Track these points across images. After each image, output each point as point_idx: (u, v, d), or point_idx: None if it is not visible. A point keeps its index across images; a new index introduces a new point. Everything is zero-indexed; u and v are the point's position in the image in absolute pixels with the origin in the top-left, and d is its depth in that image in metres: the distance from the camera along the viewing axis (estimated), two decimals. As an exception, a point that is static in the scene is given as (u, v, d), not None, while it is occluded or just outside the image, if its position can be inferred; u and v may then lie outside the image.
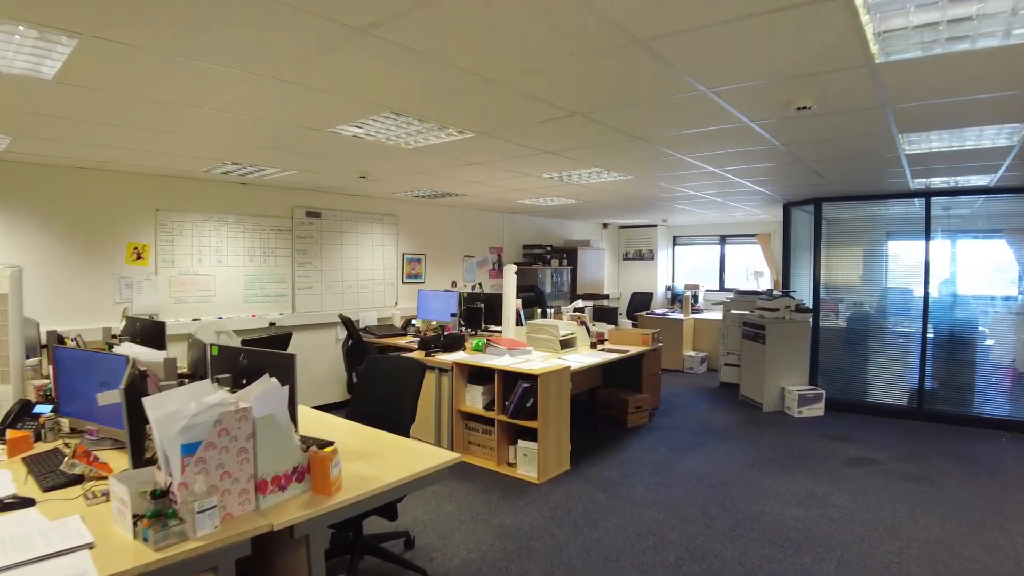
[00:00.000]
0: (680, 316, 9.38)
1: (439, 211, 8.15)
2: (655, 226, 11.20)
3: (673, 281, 11.60)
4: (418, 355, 5.60)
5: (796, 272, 7.39)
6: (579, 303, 7.01)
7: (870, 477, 4.75)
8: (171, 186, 5.75)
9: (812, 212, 6.88)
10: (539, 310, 7.72)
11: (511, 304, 6.26)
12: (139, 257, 5.71)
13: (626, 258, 11.68)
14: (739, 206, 7.90)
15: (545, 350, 5.83)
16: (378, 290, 7.54)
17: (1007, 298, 6.27)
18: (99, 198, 5.30)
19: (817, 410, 6.58)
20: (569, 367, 5.02)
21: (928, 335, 6.29)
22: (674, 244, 11.63)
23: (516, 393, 4.81)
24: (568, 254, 9.60)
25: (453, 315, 6.63)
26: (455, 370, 5.25)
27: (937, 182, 5.60)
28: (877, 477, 4.75)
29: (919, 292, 6.39)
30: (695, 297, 10.33)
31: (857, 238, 6.79)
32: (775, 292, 7.43)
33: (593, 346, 6.13)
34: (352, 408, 3.53)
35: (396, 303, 7.67)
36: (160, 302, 5.80)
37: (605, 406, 6.48)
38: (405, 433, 3.04)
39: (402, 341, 6.56)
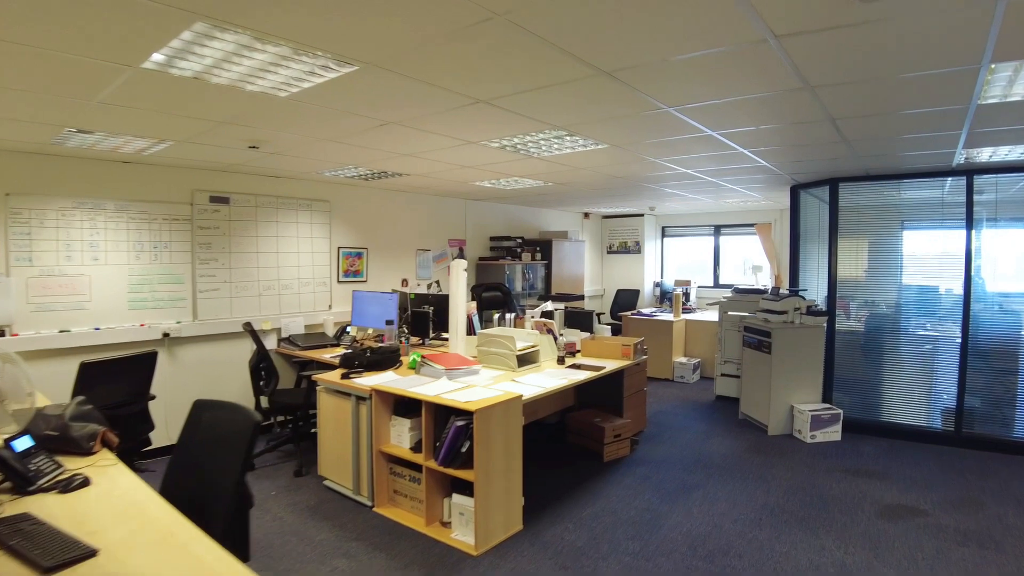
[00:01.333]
0: (669, 317, 8.19)
1: (384, 196, 6.90)
2: (642, 215, 10.00)
3: (662, 277, 10.42)
4: (334, 376, 4.39)
5: (805, 267, 6.22)
6: (548, 305, 5.82)
7: (916, 537, 3.59)
8: (25, 165, 4.50)
9: (825, 196, 5.69)
10: (506, 314, 6.53)
11: (459, 308, 5.06)
12: (-18, 254, 4.48)
13: (610, 251, 10.49)
14: (737, 189, 6.71)
15: (498, 368, 4.63)
16: (306, 291, 6.30)
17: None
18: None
19: (833, 434, 5.42)
20: (520, 397, 3.81)
21: (969, 342, 5.12)
22: (663, 235, 10.45)
23: (447, 433, 3.61)
24: (543, 247, 8.38)
25: (390, 323, 5.40)
26: (374, 399, 4.04)
27: (986, 154, 4.43)
28: (925, 537, 3.59)
29: (957, 290, 5.23)
30: (686, 295, 9.16)
31: (879, 227, 5.62)
32: (782, 291, 6.24)
33: (561, 361, 4.93)
34: (166, 479, 2.31)
35: (330, 306, 6.44)
36: (12, 310, 4.55)
37: (578, 434, 5.29)
38: (219, 532, 1.80)
39: (327, 355, 5.34)
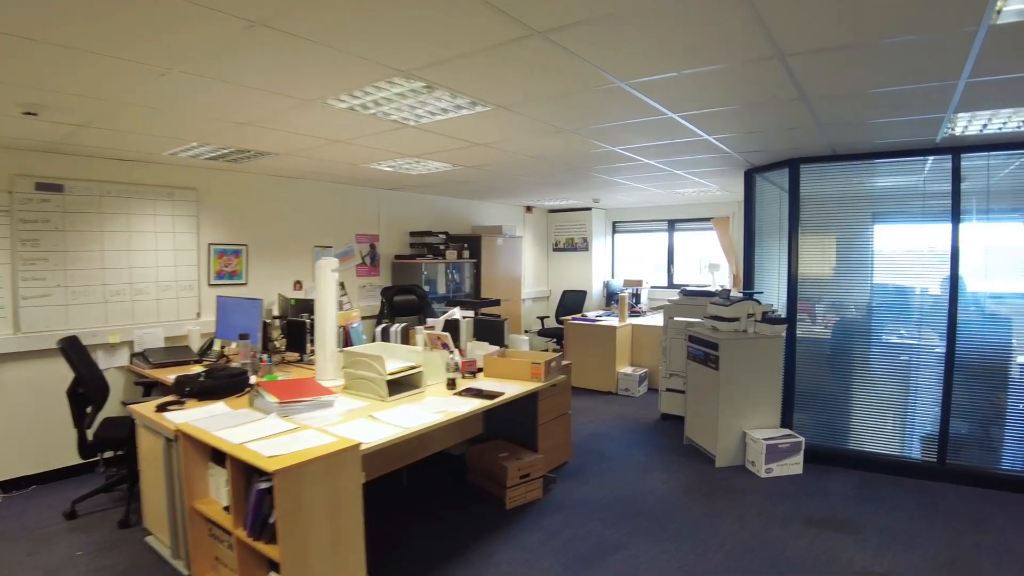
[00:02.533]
0: (614, 322, 7.21)
1: (270, 184, 5.79)
2: (589, 209, 9.02)
3: (613, 276, 9.46)
4: (147, 408, 3.34)
5: (763, 266, 5.27)
6: (456, 312, 4.79)
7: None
8: None
9: (784, 181, 4.74)
10: (425, 320, 5.48)
11: (327, 319, 4.02)
12: None
13: (556, 249, 9.49)
14: (688, 176, 5.77)
15: (367, 396, 3.59)
16: (167, 297, 5.16)
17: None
18: None
19: (793, 466, 4.48)
20: (358, 446, 2.75)
21: (956, 354, 4.21)
22: (614, 232, 9.48)
23: (251, 498, 2.54)
24: (471, 244, 7.32)
25: (243, 336, 4.31)
26: (181, 441, 2.98)
27: (980, 122, 3.51)
28: (910, 630, 2.63)
29: (939, 292, 4.33)
30: (636, 296, 8.20)
31: (849, 217, 4.67)
32: (733, 293, 5.30)
33: (452, 385, 3.89)
34: None
35: (198, 315, 5.30)
36: None
37: (478, 473, 4.27)
38: None
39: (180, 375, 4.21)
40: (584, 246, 9.10)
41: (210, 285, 5.42)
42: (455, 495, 4.18)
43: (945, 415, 4.26)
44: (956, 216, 4.16)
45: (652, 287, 8.79)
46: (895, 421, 4.50)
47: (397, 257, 6.85)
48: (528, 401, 4.30)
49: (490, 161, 4.92)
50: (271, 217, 5.81)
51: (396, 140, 4.09)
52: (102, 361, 4.73)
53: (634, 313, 7.79)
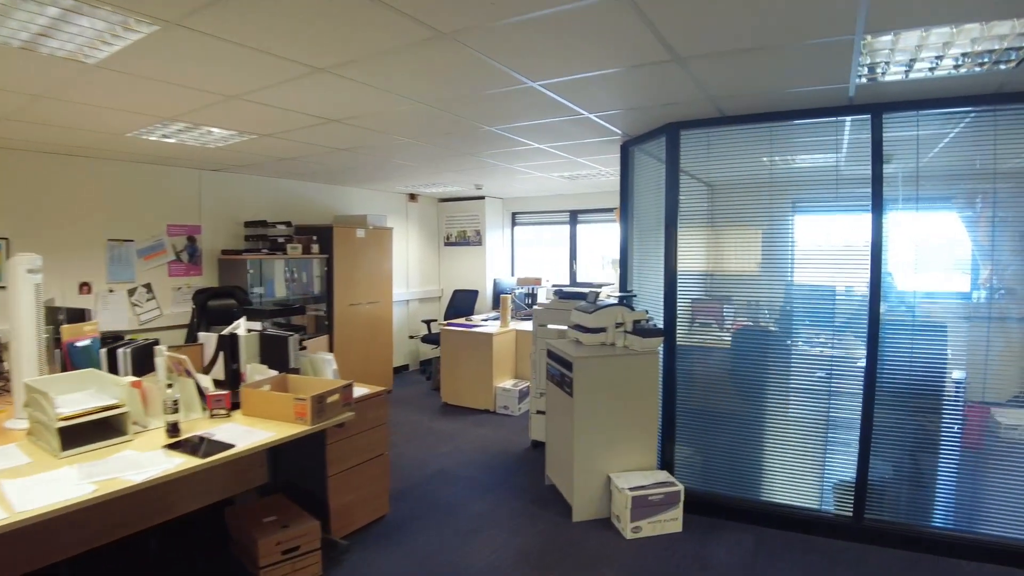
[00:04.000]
0: (491, 328, 6.10)
1: (38, 163, 4.44)
2: (482, 198, 7.89)
3: (513, 273, 8.37)
4: None
5: (644, 262, 4.22)
6: (240, 325, 3.60)
7: None
8: None
9: (663, 152, 3.67)
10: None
11: (22, 336, 2.78)
12: None
13: (448, 243, 8.33)
14: (574, 158, 4.71)
15: (44, 447, 2.38)
16: None
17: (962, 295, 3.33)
18: None
19: (670, 523, 3.46)
20: None
21: (877, 371, 3.24)
22: (513, 224, 8.38)
23: None
24: (322, 236, 6.08)
25: None
26: None
27: (899, 69, 2.53)
28: None
29: (859, 293, 3.36)
30: (532, 297, 7.13)
31: (746, 199, 3.63)
32: (604, 296, 4.26)
33: (174, 430, 2.70)
34: None
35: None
36: None
37: (237, 542, 3.10)
38: None
39: None
40: (477, 240, 7.98)
41: None
42: (213, 569, 2.99)
43: (864, 452, 3.29)
44: (878, 198, 3.18)
45: (553, 286, 7.72)
46: (803, 462, 3.51)
47: (225, 252, 5.57)
48: (312, 447, 3.18)
49: (289, 127, 3.72)
50: (45, 204, 4.49)
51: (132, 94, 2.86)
52: None
53: (528, 317, 6.70)
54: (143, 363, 3.27)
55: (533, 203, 8.04)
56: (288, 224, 5.94)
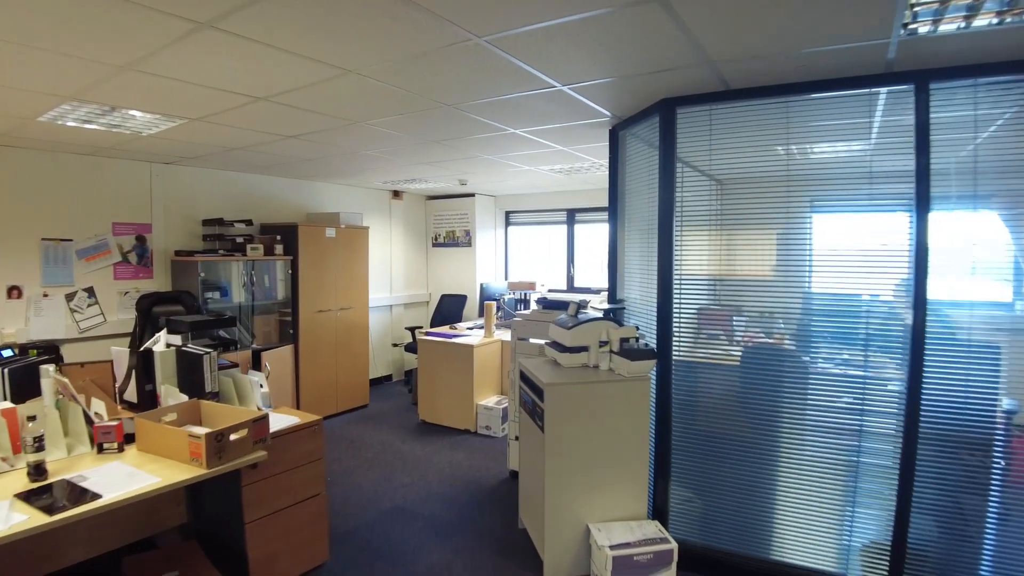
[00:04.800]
0: (474, 338, 5.51)
1: None
2: (471, 196, 7.30)
3: (507, 277, 7.76)
4: None
5: (636, 266, 3.58)
6: (159, 340, 3.05)
7: None
8: None
9: (656, 136, 3.04)
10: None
11: None
12: None
13: (437, 243, 7.74)
14: (555, 145, 4.11)
15: None
16: None
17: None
18: None
19: (660, 585, 2.83)
20: None
21: (921, 404, 2.60)
22: (507, 224, 7.77)
23: None
24: (287, 236, 5.52)
25: None
26: None
27: (954, 20, 1.90)
28: None
29: (896, 304, 2.72)
30: (525, 303, 6.52)
31: (755, 190, 2.98)
32: (586, 309, 3.64)
33: (38, 472, 2.16)
34: None
35: None
36: None
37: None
38: None
39: None
40: (467, 240, 7.38)
41: None
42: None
43: (903, 507, 2.65)
44: (923, 192, 2.53)
45: (549, 291, 7.13)
46: (826, 515, 2.87)
47: (178, 253, 5.02)
48: (227, 487, 2.63)
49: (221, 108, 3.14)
50: None
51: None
52: None
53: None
54: (29, 385, 2.71)
55: (527, 201, 7.42)
56: (248, 223, 5.40)
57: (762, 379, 2.96)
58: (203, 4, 1.89)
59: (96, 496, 2.07)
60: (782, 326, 3.02)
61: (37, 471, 2.19)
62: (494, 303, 5.81)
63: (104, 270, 4.66)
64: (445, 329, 6.17)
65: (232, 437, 2.44)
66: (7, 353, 3.66)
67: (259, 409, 3.15)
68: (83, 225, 4.52)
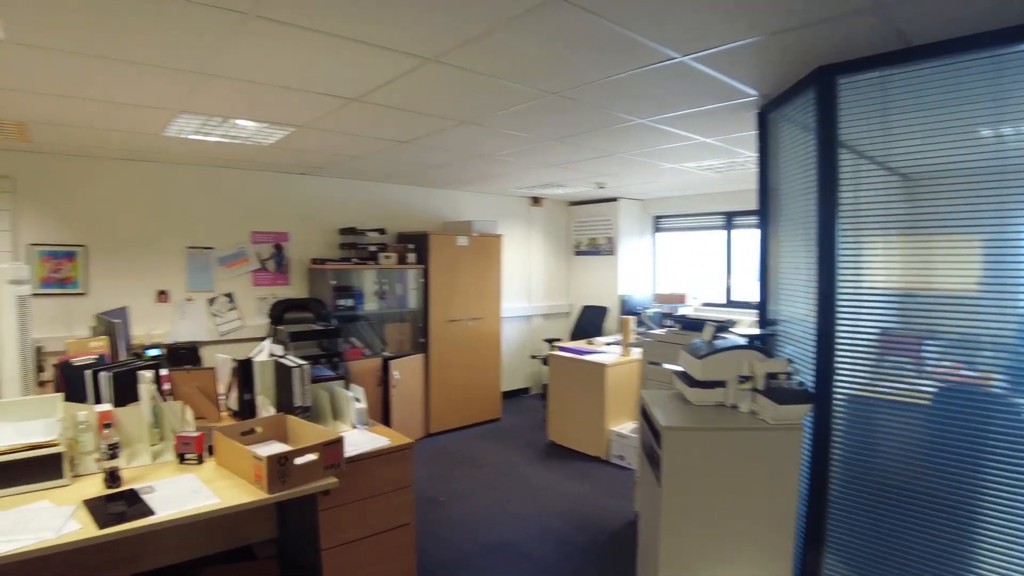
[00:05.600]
0: (606, 356, 4.99)
1: (115, 171, 4.41)
2: (614, 200, 6.78)
3: (655, 288, 7.10)
4: None
5: (792, 280, 2.84)
6: (262, 350, 3.01)
7: None
8: None
9: (811, 115, 2.34)
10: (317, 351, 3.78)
11: (7, 346, 2.49)
12: None
13: (579, 251, 7.32)
14: (695, 136, 3.52)
15: None
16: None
17: None
18: None
19: None
20: None
21: None
22: (655, 230, 7.10)
23: None
24: (419, 244, 5.45)
25: None
26: None
27: None
28: None
29: None
30: (669, 319, 5.85)
31: (953, 194, 2.15)
32: (735, 329, 2.99)
33: (113, 479, 2.15)
34: None
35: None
36: None
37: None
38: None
39: None
40: (609, 248, 6.86)
41: (34, 295, 4.10)
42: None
43: None
44: None
45: (704, 304, 6.37)
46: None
47: (314, 261, 5.17)
48: (307, 508, 2.48)
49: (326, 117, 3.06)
50: (122, 212, 4.44)
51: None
52: None
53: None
54: (132, 389, 2.76)
55: (678, 204, 6.72)
56: (381, 231, 5.42)
57: (961, 425, 2.13)
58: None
59: (149, 513, 1.97)
60: (989, 357, 2.16)
61: (112, 478, 2.15)
62: (632, 318, 5.25)
63: (243, 277, 4.92)
64: (581, 344, 5.73)
65: (298, 461, 2.23)
66: (154, 352, 3.90)
67: (353, 427, 2.99)
68: (224, 234, 4.81)
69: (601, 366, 4.81)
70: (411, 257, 5.39)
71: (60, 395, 2.35)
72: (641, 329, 5.60)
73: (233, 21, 1.90)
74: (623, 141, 3.75)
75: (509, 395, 6.73)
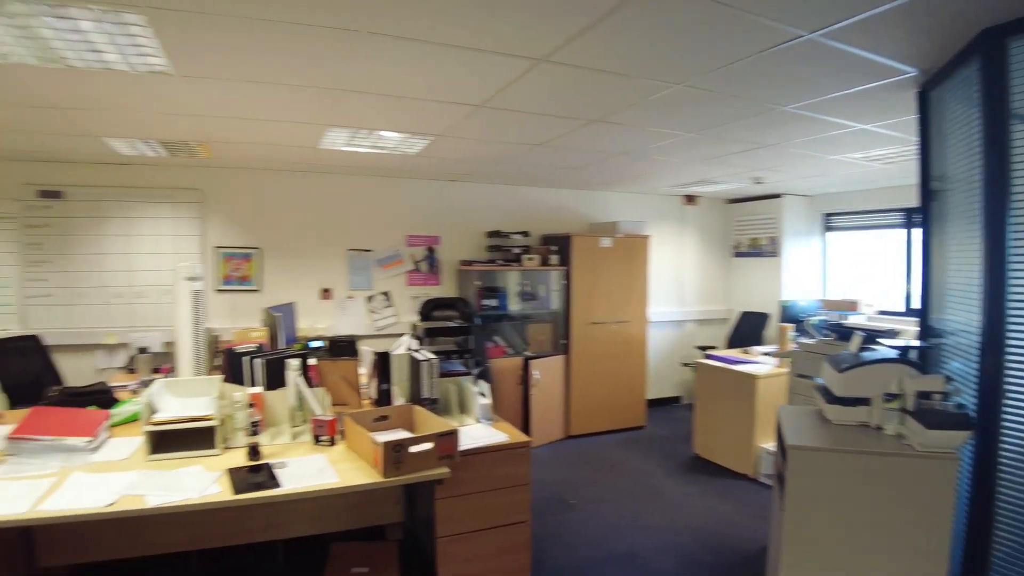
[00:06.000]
0: (759, 366, 4.62)
1: (285, 181, 5.05)
2: (778, 197, 6.24)
3: (825, 293, 6.42)
4: None
5: (957, 282, 2.41)
6: (400, 345, 3.24)
7: None
8: None
9: (977, 89, 1.96)
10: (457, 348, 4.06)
11: (181, 340, 3.12)
12: None
13: (739, 252, 6.85)
14: (849, 122, 3.15)
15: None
16: (168, 301, 4.79)
17: None
18: None
19: None
20: None
21: None
22: (825, 229, 6.41)
23: None
24: (562, 246, 5.48)
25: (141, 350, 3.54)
26: None
27: None
28: None
29: None
30: (837, 329, 5.27)
31: None
32: (888, 343, 2.63)
33: (254, 453, 2.49)
34: None
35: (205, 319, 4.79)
36: None
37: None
38: None
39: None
40: (772, 249, 6.33)
41: (217, 291, 4.88)
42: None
43: None
44: None
45: (879, 313, 5.65)
46: None
47: (463, 263, 5.45)
48: (426, 497, 2.67)
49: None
50: (291, 217, 5.08)
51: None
52: (102, 362, 4.59)
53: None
54: (280, 375, 3.11)
55: (851, 200, 5.99)
56: (525, 234, 5.56)
57: None
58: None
59: (276, 485, 2.22)
60: None
61: (253, 452, 2.47)
62: (789, 326, 4.81)
63: (398, 277, 5.34)
64: (735, 352, 5.37)
65: (412, 449, 2.38)
66: (316, 344, 4.38)
67: (478, 421, 3.10)
68: (382, 237, 5.27)
69: (752, 377, 4.46)
70: (553, 259, 5.45)
71: (220, 377, 2.75)
72: (801, 338, 5.10)
73: (348, 39, 2.09)
74: (768, 131, 3.45)
75: (656, 403, 6.51)
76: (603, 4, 1.81)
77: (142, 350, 4.54)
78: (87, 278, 4.60)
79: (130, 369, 4.52)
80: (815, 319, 5.20)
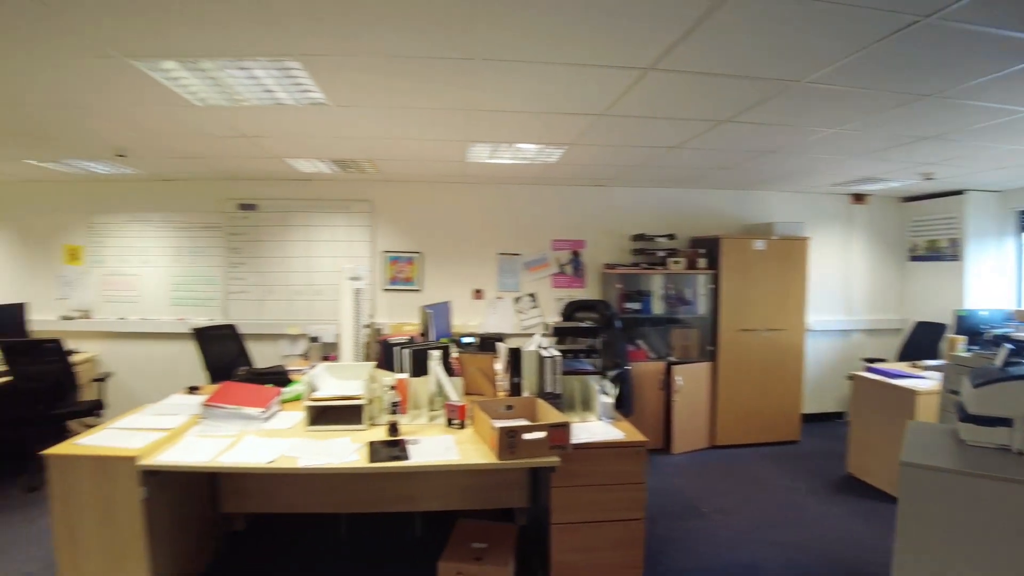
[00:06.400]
0: (925, 382, 4.20)
1: (445, 191, 5.62)
2: (959, 193, 5.53)
3: (1020, 302, 5.56)
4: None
5: None
6: (532, 342, 3.49)
7: None
8: (96, 188, 5.43)
9: None
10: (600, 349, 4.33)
11: (344, 333, 3.73)
12: (74, 258, 5.54)
13: (914, 257, 6.17)
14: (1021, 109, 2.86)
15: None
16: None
17: None
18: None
19: None
20: (132, 459, 2.49)
21: None
22: (1021, 229, 5.52)
23: None
24: (710, 249, 5.38)
25: (312, 339, 4.21)
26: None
27: None
28: None
29: None
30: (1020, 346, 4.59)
31: None
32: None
33: (393, 431, 2.92)
34: None
35: (371, 316, 5.52)
36: (91, 300, 5.53)
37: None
38: None
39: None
40: (952, 252, 5.64)
41: (384, 290, 5.58)
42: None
43: None
44: None
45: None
46: None
47: (607, 267, 5.61)
48: (543, 482, 2.95)
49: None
50: (448, 225, 5.66)
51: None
52: (285, 349, 5.47)
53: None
54: (424, 364, 3.49)
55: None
56: (671, 236, 5.58)
57: None
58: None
59: (405, 458, 2.60)
60: None
61: (392, 429, 2.88)
62: (961, 338, 4.30)
63: (544, 279, 5.65)
64: (901, 366, 4.92)
65: (525, 436, 2.63)
66: (468, 340, 4.81)
67: (599, 418, 3.26)
68: (529, 242, 5.63)
69: (911, 392, 4.09)
70: (701, 262, 5.38)
71: (373, 363, 3.22)
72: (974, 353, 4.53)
73: (460, 68, 2.45)
74: (916, 122, 3.19)
75: (815, 417, 6.11)
76: (690, 15, 1.93)
77: (315, 339, 5.31)
78: (275, 278, 5.55)
79: (306, 356, 5.32)
80: (997, 331, 4.61)
